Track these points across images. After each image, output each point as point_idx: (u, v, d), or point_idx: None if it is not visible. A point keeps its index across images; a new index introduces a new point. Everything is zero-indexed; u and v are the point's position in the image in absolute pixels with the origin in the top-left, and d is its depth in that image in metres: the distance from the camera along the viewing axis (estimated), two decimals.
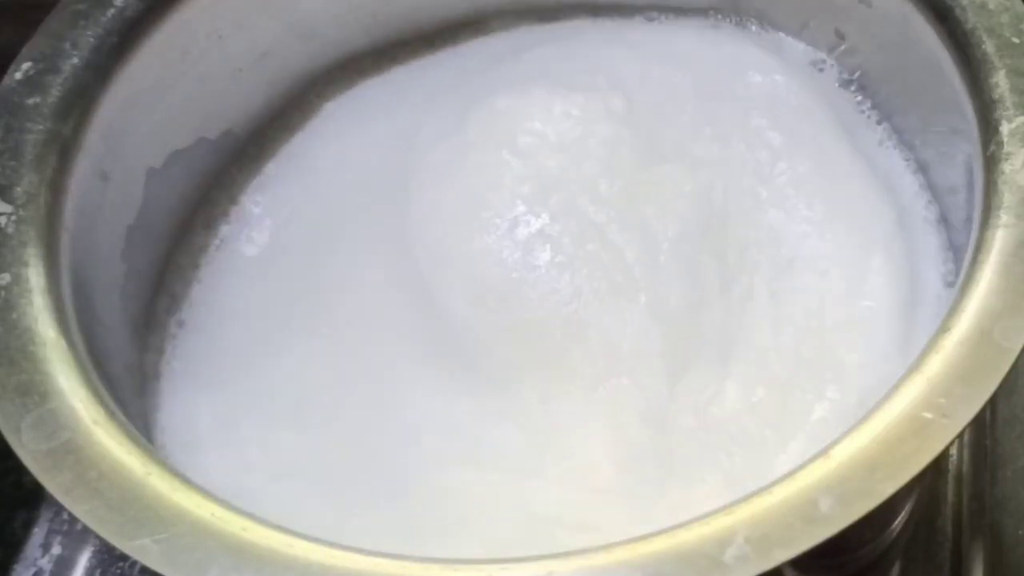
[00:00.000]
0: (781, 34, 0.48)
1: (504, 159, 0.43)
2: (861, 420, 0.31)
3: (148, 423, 0.40)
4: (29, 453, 0.32)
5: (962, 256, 0.37)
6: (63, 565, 0.50)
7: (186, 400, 0.42)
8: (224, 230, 0.46)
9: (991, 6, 0.38)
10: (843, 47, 0.47)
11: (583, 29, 0.49)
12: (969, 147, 0.38)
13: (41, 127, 0.39)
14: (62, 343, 0.35)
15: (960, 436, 0.41)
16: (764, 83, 0.45)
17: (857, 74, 0.47)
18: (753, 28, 0.48)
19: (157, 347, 0.44)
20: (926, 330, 0.39)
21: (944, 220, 0.43)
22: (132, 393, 0.40)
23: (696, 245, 0.41)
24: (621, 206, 0.41)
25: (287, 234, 0.46)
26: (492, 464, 0.38)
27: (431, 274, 0.42)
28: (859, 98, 0.47)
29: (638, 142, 0.43)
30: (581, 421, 0.39)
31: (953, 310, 0.33)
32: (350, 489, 0.38)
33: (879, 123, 0.46)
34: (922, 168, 0.44)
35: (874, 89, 0.46)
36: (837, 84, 0.47)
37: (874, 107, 0.46)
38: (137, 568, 0.44)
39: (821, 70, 0.47)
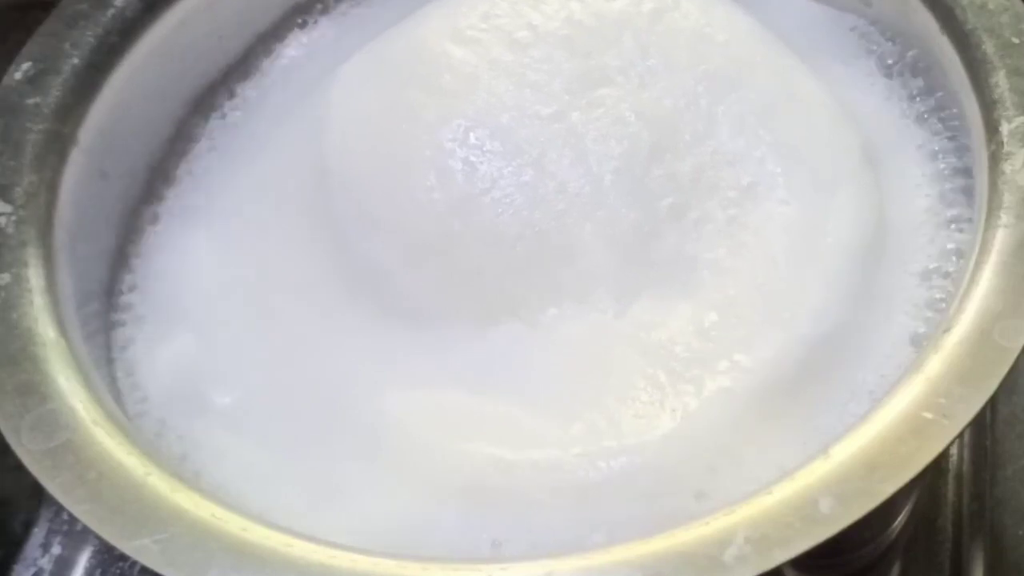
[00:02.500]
0: None
1: (422, 99, 0.40)
2: (861, 420, 0.31)
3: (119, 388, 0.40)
4: (29, 453, 0.32)
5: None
6: (63, 565, 0.50)
7: (150, 351, 0.41)
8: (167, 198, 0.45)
9: (991, 6, 0.38)
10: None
11: None
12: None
13: (41, 127, 0.39)
14: (62, 343, 0.35)
15: (960, 436, 0.41)
16: (724, 14, 0.43)
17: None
18: None
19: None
20: (892, 275, 0.38)
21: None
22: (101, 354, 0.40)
23: (644, 169, 0.39)
24: (560, 133, 0.39)
25: (220, 198, 0.44)
26: (429, 392, 0.38)
27: (355, 233, 0.40)
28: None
29: (577, 66, 0.40)
30: (520, 348, 0.38)
31: (953, 310, 0.33)
32: (304, 430, 0.38)
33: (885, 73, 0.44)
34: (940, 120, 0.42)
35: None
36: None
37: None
38: (137, 568, 0.44)
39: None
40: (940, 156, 0.41)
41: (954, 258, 0.38)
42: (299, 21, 0.49)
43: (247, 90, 0.48)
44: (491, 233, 0.38)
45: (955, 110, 0.40)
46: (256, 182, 0.44)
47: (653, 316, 0.38)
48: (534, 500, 0.34)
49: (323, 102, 0.43)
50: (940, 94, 0.42)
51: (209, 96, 0.47)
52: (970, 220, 0.38)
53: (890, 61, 0.44)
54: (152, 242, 0.44)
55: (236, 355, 0.40)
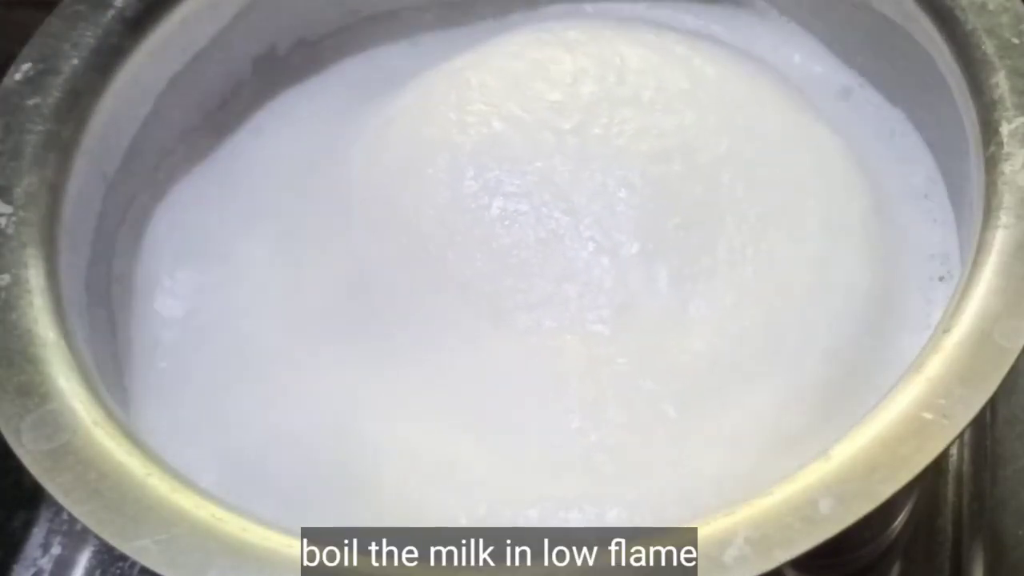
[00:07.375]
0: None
1: (448, 116, 0.42)
2: (861, 420, 0.31)
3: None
4: (29, 454, 0.32)
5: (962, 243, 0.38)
6: (63, 565, 0.50)
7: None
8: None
9: (991, 7, 0.38)
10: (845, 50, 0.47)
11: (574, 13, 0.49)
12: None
13: (41, 127, 0.39)
14: (62, 344, 0.35)
15: (960, 436, 0.41)
16: (740, 62, 0.44)
17: (862, 77, 0.46)
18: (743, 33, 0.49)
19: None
20: (905, 322, 0.38)
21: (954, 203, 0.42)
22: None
23: (655, 187, 0.39)
24: (576, 147, 0.40)
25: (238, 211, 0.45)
26: (408, 418, 0.37)
27: (366, 231, 0.41)
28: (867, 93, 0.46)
29: (602, 88, 0.42)
30: (512, 363, 0.38)
31: (953, 310, 0.33)
32: (275, 454, 0.38)
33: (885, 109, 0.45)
34: (933, 151, 0.43)
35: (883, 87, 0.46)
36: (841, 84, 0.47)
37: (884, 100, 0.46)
38: (137, 568, 0.44)
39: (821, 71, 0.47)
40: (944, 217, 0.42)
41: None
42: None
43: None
44: (493, 242, 0.39)
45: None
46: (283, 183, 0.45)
47: (654, 341, 0.37)
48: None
49: (364, 111, 0.44)
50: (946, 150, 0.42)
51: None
52: None
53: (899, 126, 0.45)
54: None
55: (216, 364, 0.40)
